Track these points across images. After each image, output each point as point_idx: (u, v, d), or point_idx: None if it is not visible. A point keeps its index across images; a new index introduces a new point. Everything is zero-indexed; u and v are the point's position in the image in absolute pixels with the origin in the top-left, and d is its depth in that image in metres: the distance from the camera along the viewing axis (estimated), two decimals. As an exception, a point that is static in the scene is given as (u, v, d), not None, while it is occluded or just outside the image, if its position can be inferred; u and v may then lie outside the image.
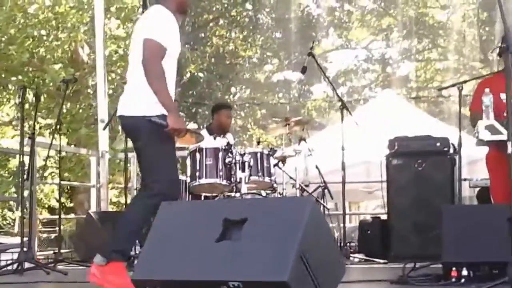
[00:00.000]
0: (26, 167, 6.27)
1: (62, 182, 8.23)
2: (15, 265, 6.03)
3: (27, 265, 5.99)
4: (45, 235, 18.94)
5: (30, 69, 15.80)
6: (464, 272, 4.29)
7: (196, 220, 3.79)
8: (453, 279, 4.31)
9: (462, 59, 20.96)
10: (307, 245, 3.40)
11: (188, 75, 17.72)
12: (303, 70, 7.59)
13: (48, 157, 7.95)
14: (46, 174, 15.19)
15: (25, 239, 6.12)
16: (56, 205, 15.35)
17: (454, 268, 4.31)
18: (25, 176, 6.26)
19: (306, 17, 21.55)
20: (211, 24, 20.67)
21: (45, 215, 19.20)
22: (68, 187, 16.15)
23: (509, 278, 3.68)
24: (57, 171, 12.37)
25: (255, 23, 20.84)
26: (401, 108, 12.19)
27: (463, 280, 4.29)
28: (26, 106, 9.19)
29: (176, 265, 3.61)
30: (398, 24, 22.10)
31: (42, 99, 15.99)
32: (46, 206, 19.59)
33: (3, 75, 15.82)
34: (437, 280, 4.47)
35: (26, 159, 6.33)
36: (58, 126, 7.33)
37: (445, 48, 21.96)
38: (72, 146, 13.89)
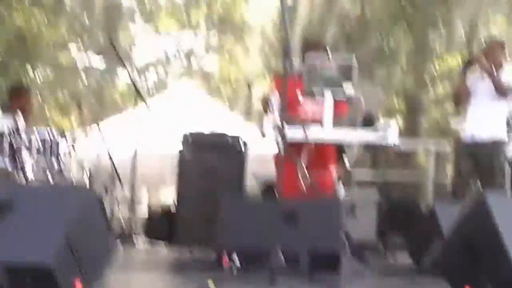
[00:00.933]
0: None
1: None
2: None
3: None
4: None
5: None
6: (236, 260, 4.56)
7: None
8: (221, 265, 4.61)
9: (264, 59, 21.56)
10: (75, 233, 3.47)
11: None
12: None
13: None
14: None
15: None
16: None
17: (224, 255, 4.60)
18: None
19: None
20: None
21: None
22: None
23: (270, 266, 3.97)
24: None
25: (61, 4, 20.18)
26: (202, 103, 12.37)
27: (230, 267, 4.56)
28: None
29: None
30: (206, 18, 22.38)
31: None
32: None
33: None
34: (209, 266, 4.74)
35: None
36: None
37: (248, 47, 22.49)
38: None
